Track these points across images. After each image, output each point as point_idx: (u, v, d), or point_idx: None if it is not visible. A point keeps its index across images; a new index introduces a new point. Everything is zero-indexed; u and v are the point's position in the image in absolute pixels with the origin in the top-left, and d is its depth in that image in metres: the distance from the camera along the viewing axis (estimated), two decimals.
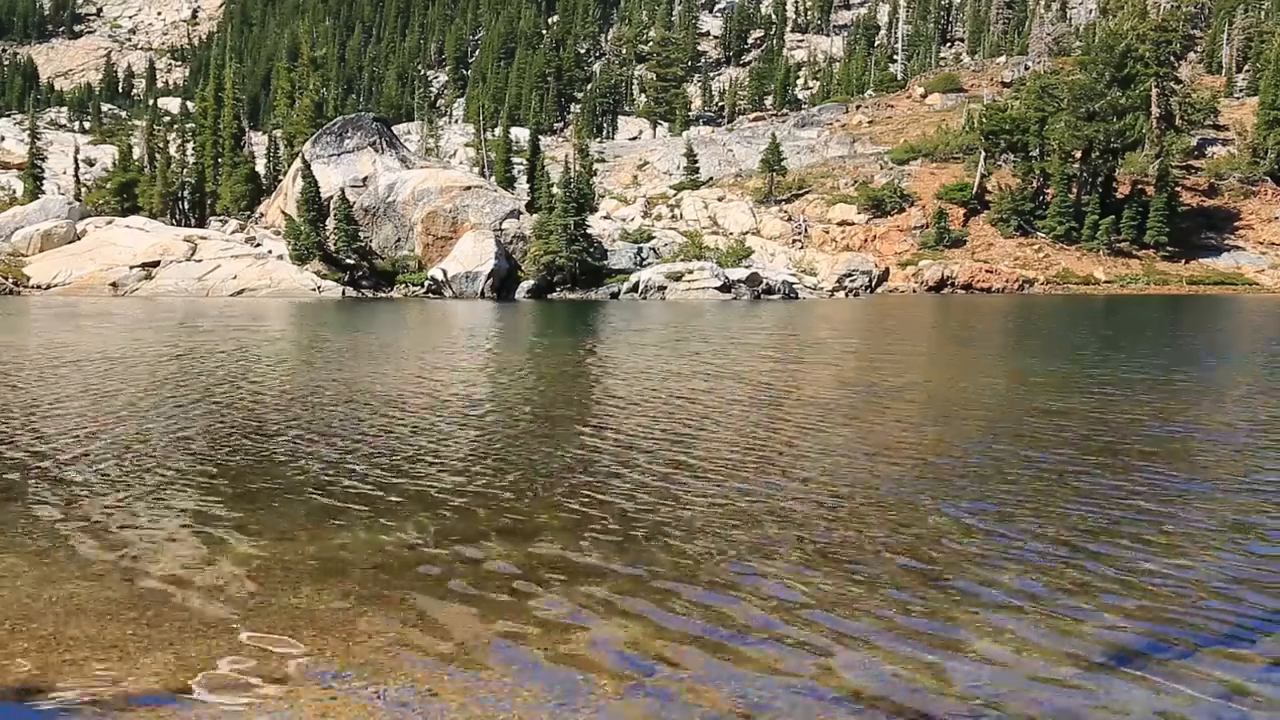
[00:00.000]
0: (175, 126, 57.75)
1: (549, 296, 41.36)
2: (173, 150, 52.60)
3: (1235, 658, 4.50)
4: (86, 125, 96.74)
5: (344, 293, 40.28)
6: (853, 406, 11.80)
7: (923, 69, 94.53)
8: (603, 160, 68.37)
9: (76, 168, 54.89)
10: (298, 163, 43.63)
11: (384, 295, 40.85)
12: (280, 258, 42.15)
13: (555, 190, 43.29)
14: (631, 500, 7.12)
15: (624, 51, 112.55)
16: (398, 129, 61.28)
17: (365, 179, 44.19)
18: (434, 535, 6.21)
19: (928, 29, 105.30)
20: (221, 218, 50.38)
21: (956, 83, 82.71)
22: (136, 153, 54.66)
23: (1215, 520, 6.71)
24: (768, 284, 42.30)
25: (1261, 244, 58.62)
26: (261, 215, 48.97)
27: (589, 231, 43.75)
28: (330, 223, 42.03)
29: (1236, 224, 60.19)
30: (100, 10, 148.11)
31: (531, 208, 46.22)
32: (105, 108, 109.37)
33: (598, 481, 7.69)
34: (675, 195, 62.48)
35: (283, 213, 44.08)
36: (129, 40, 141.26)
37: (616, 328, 25.95)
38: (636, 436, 9.59)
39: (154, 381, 13.38)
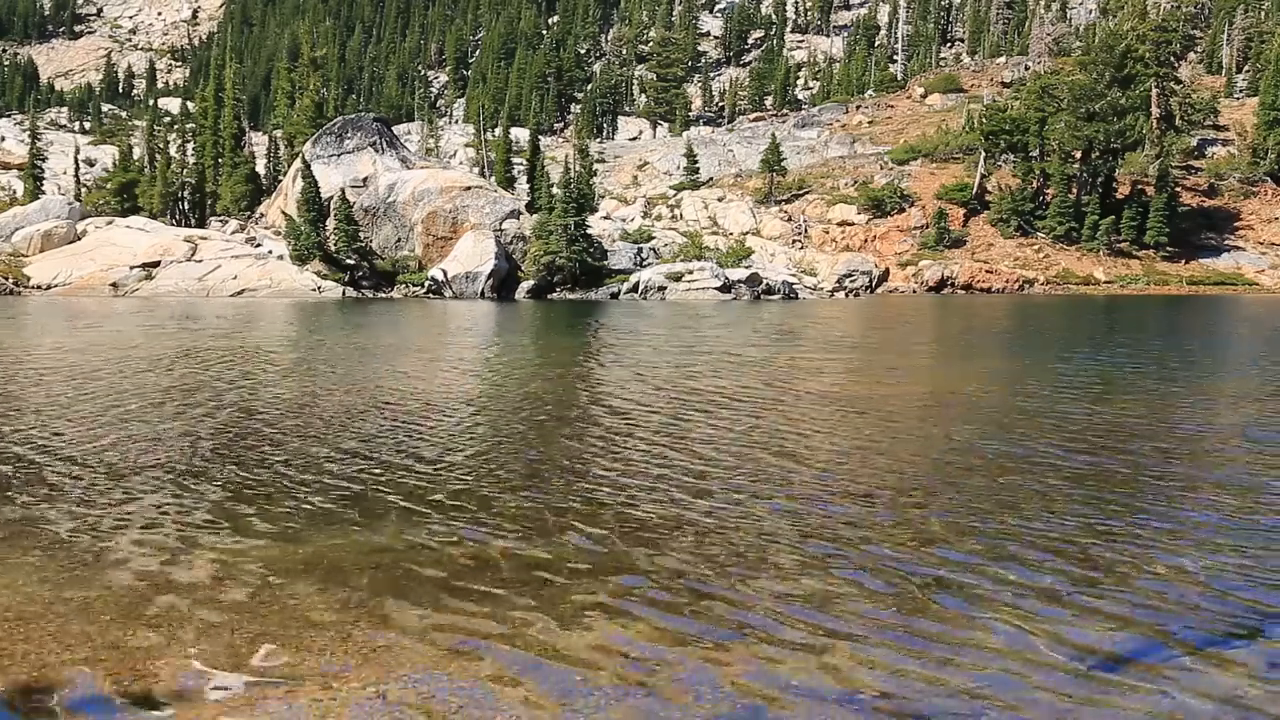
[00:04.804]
0: (175, 127, 57.74)
1: (549, 297, 41.36)
2: (173, 150, 52.60)
3: (1235, 658, 4.51)
4: (87, 125, 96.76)
5: (344, 293, 40.28)
6: (852, 407, 11.80)
7: (923, 69, 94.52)
8: (603, 160, 68.40)
9: (77, 168, 54.89)
10: (298, 163, 43.63)
11: (384, 295, 40.86)
12: (280, 258, 42.15)
13: (555, 190, 43.30)
14: (632, 500, 7.13)
15: (624, 52, 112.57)
16: (398, 129, 61.27)
17: (365, 179, 44.19)
18: (434, 535, 6.22)
19: (928, 29, 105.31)
20: (222, 218, 50.38)
21: (956, 83, 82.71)
22: (137, 153, 54.67)
23: (1215, 520, 6.72)
24: (768, 284, 42.30)
25: (1261, 244, 58.63)
26: (262, 215, 48.97)
27: (589, 232, 43.74)
28: (330, 223, 42.04)
29: (1236, 224, 60.20)
30: (100, 10, 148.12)
31: (531, 208, 46.21)
32: (105, 108, 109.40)
33: (597, 482, 7.70)
34: (675, 195, 62.49)
35: (283, 213, 44.08)
36: (129, 40, 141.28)
37: (617, 328, 25.95)
38: (637, 437, 9.60)
39: (154, 382, 13.38)
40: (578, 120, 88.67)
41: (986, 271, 54.43)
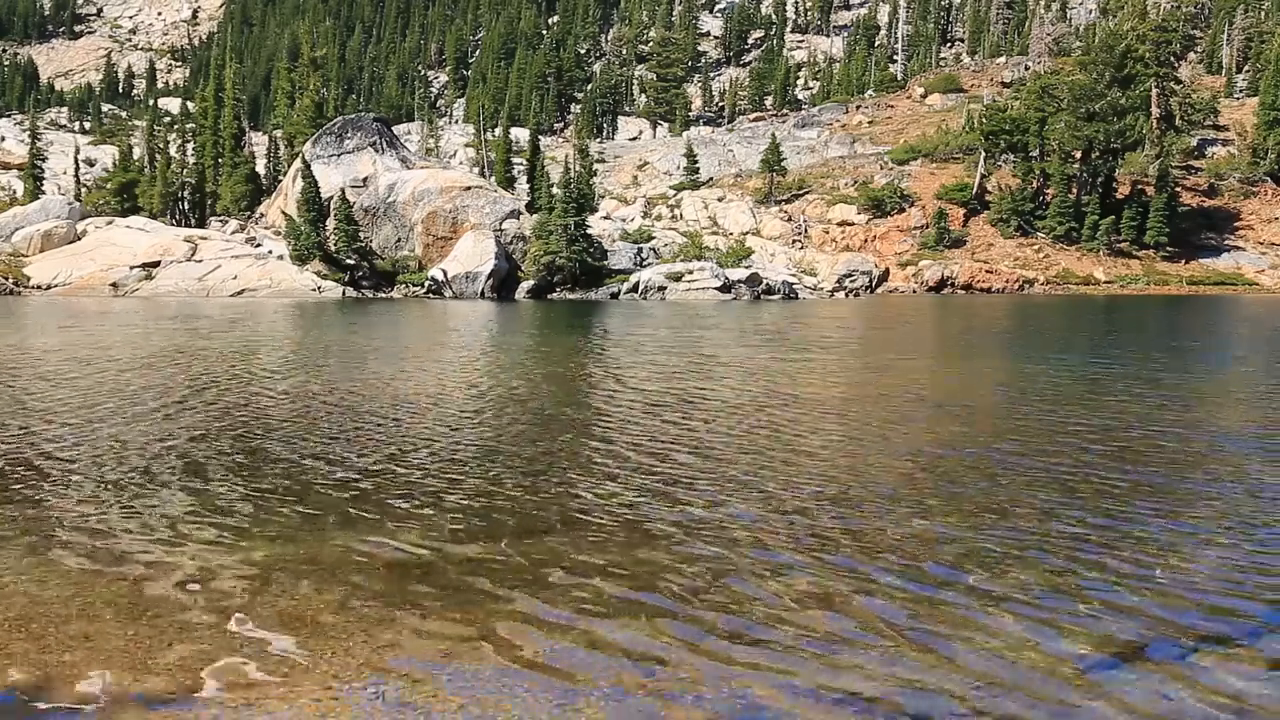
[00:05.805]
0: (175, 127, 57.76)
1: (549, 297, 41.36)
2: (173, 150, 52.62)
3: (1235, 658, 4.51)
4: (87, 125, 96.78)
5: (344, 293, 40.29)
6: (852, 408, 11.80)
7: (923, 69, 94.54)
8: (603, 160, 68.42)
9: (77, 168, 54.91)
10: (298, 163, 43.64)
11: (384, 295, 40.86)
12: (280, 258, 42.16)
13: (555, 190, 43.31)
14: (632, 500, 7.12)
15: (624, 52, 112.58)
16: (398, 129, 61.28)
17: (365, 179, 44.20)
18: (434, 535, 6.22)
19: (928, 29, 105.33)
20: (222, 218, 50.39)
21: (956, 83, 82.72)
22: (137, 153, 54.68)
23: (1215, 520, 6.72)
24: (768, 284, 42.30)
25: (1261, 244, 58.63)
26: (262, 215, 48.98)
27: (589, 232, 43.74)
28: (330, 223, 42.04)
29: (1236, 224, 60.21)
30: (100, 10, 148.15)
31: (531, 208, 46.22)
32: (105, 108, 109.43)
33: (597, 482, 7.70)
34: (675, 195, 62.49)
35: (283, 213, 44.09)
36: (129, 40, 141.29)
37: (616, 329, 25.96)
38: (636, 437, 9.60)
39: (154, 382, 13.38)
40: (578, 120, 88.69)
41: (986, 271, 54.44)
